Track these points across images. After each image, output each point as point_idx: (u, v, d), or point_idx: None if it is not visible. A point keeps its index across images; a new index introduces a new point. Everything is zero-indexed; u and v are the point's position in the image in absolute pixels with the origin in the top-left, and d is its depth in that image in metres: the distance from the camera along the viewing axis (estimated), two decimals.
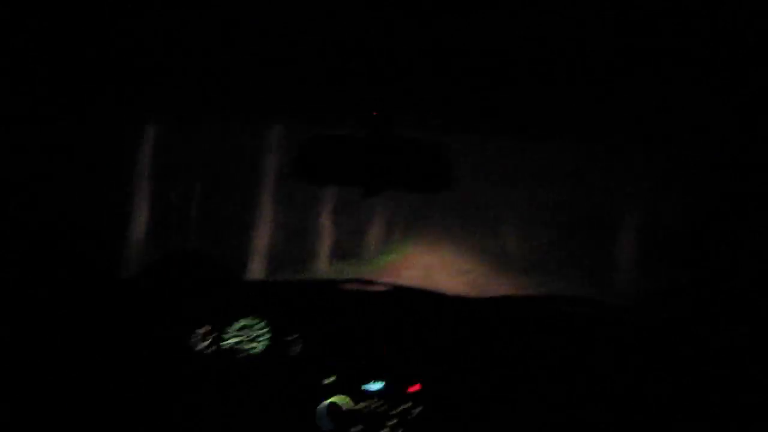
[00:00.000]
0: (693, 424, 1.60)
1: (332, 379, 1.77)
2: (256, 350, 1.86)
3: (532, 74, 1.43)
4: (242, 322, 1.89)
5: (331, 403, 1.72)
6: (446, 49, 1.35)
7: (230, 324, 1.89)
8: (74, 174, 1.90)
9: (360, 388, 1.75)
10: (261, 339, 1.87)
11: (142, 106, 1.81)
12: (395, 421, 1.71)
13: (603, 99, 1.52)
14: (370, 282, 2.25)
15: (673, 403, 1.64)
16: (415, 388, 1.75)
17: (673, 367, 1.68)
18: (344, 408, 1.72)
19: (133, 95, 1.67)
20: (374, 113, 1.55)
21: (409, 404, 1.73)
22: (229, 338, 1.88)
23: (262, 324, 1.89)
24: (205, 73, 1.52)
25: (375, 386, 1.75)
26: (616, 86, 1.45)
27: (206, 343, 1.87)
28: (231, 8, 1.25)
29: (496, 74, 1.43)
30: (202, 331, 1.88)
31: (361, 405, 1.73)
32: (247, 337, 1.88)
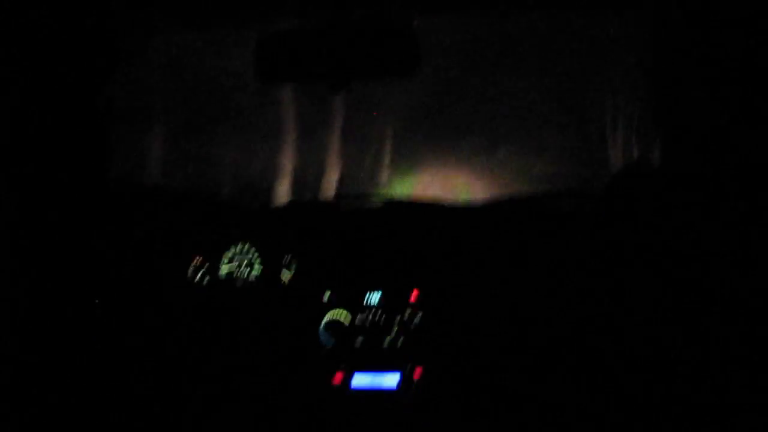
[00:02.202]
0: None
1: (329, 294, 1.77)
2: (251, 276, 1.85)
3: None
4: (233, 250, 1.88)
5: (330, 318, 1.73)
6: None
7: (222, 253, 1.88)
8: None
9: (359, 300, 1.76)
10: (255, 264, 1.86)
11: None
12: (396, 329, 1.73)
13: None
14: (361, 196, 2.23)
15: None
16: (414, 295, 1.75)
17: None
18: (345, 322, 1.73)
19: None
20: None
21: (409, 312, 1.74)
22: (223, 267, 1.87)
23: (254, 249, 1.87)
24: None
25: (374, 297, 1.76)
26: None
27: (200, 274, 1.86)
28: None
29: None
30: (194, 263, 1.87)
31: (362, 317, 1.74)
32: (241, 264, 1.87)
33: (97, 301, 1.77)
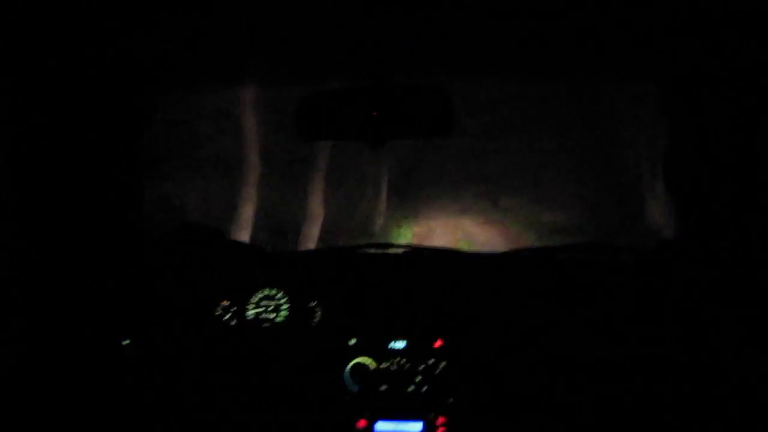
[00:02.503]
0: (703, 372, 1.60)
1: (355, 340, 1.79)
2: (278, 320, 1.88)
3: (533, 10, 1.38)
4: (262, 294, 1.92)
5: (356, 363, 1.75)
6: None
7: (250, 296, 1.92)
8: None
9: (384, 347, 1.78)
10: (282, 309, 1.90)
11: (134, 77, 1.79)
12: (420, 377, 1.74)
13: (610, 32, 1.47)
14: (386, 245, 2.26)
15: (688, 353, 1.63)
16: (438, 344, 1.77)
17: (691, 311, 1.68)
18: (369, 368, 1.75)
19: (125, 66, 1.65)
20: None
21: (433, 360, 1.75)
22: (250, 310, 1.90)
23: (282, 294, 1.91)
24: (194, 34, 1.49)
25: (398, 345, 1.78)
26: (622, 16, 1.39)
27: (228, 315, 1.89)
28: None
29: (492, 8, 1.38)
30: (223, 304, 1.90)
31: (386, 364, 1.76)
32: (268, 307, 1.90)
33: (126, 342, 1.81)
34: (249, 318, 1.89)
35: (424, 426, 1.70)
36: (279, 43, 1.48)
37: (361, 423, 1.72)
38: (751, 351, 1.53)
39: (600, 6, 1.35)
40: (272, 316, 1.89)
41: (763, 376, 1.50)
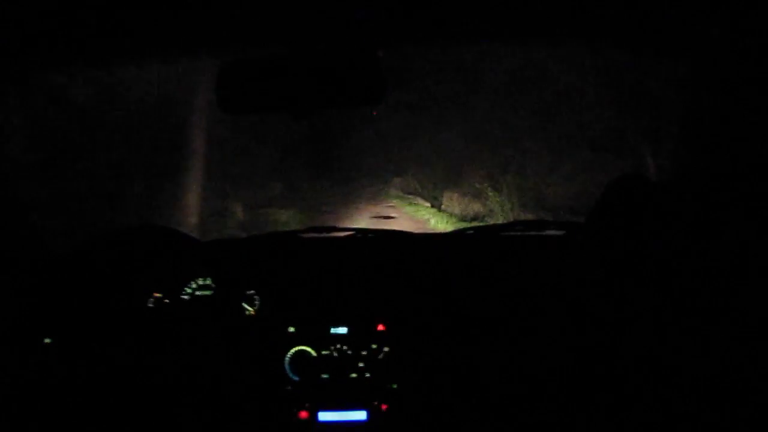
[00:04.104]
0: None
1: (294, 328, 1.73)
2: (214, 310, 1.80)
3: None
4: (196, 284, 1.83)
5: (296, 352, 1.69)
6: None
7: (183, 286, 1.83)
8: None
9: (324, 334, 1.72)
10: (218, 298, 1.82)
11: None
12: (363, 364, 1.69)
13: None
14: (328, 228, 2.20)
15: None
16: (379, 328, 1.72)
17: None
18: (310, 356, 1.69)
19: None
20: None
21: (375, 346, 1.71)
22: (185, 301, 1.81)
23: (217, 283, 1.83)
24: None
25: (339, 330, 1.72)
26: None
27: (161, 308, 1.80)
28: None
29: None
30: (155, 296, 1.81)
31: (327, 351, 1.70)
32: (203, 297, 1.82)
33: (47, 341, 1.70)
34: (182, 309, 1.80)
35: (368, 414, 1.66)
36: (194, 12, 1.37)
37: (303, 414, 1.67)
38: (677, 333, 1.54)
39: None
40: (207, 306, 1.81)
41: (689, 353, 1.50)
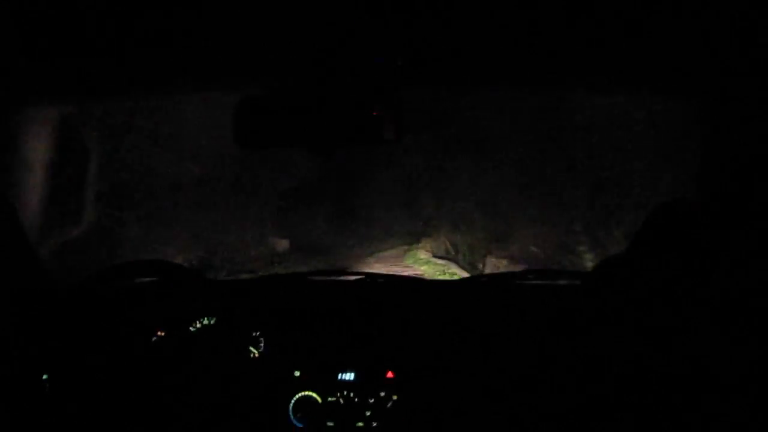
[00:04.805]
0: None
1: (300, 372, 1.67)
2: (218, 351, 1.75)
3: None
4: (201, 324, 1.79)
5: (301, 397, 1.63)
6: None
7: (189, 326, 1.78)
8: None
9: (331, 380, 1.67)
10: (223, 339, 1.77)
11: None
12: (370, 412, 1.63)
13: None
14: (337, 272, 2.17)
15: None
16: (389, 375, 1.66)
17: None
18: (315, 402, 1.63)
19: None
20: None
21: (384, 394, 1.65)
22: (189, 341, 1.77)
23: (222, 324, 1.79)
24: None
25: (347, 376, 1.67)
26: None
27: (165, 346, 1.76)
28: None
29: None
30: (159, 334, 1.77)
31: (333, 398, 1.64)
32: (208, 338, 1.77)
33: (45, 377, 1.65)
34: (185, 348, 1.76)
35: None
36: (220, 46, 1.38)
37: None
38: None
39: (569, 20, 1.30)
40: (212, 346, 1.76)
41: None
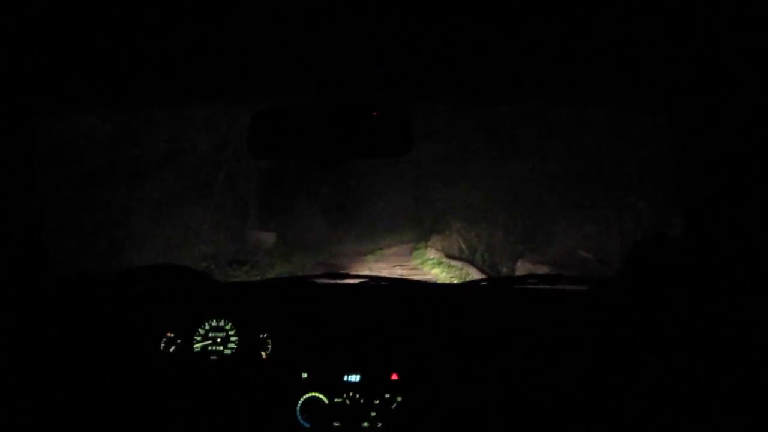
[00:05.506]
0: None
1: (307, 374, 1.71)
2: (226, 352, 1.79)
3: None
4: (209, 325, 1.83)
5: (308, 398, 1.67)
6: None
7: (197, 327, 1.82)
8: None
9: (337, 381, 1.70)
10: (230, 341, 1.81)
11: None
12: (375, 413, 1.66)
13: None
14: (342, 275, 2.20)
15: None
16: (393, 377, 1.70)
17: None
18: (322, 403, 1.67)
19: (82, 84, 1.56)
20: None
21: (389, 395, 1.68)
22: (197, 342, 1.80)
23: (230, 325, 1.82)
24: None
25: (352, 378, 1.70)
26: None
27: (174, 348, 1.79)
28: None
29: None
30: (169, 335, 1.80)
31: (339, 399, 1.68)
32: (216, 339, 1.81)
33: (60, 376, 1.69)
34: (195, 350, 1.79)
35: None
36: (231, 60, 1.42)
37: None
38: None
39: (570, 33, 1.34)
40: (220, 348, 1.80)
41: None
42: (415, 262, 10.87)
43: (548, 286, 2.03)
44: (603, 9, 1.23)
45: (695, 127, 1.64)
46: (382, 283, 2.10)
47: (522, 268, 8.42)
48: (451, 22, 1.27)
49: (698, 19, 1.28)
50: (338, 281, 2.13)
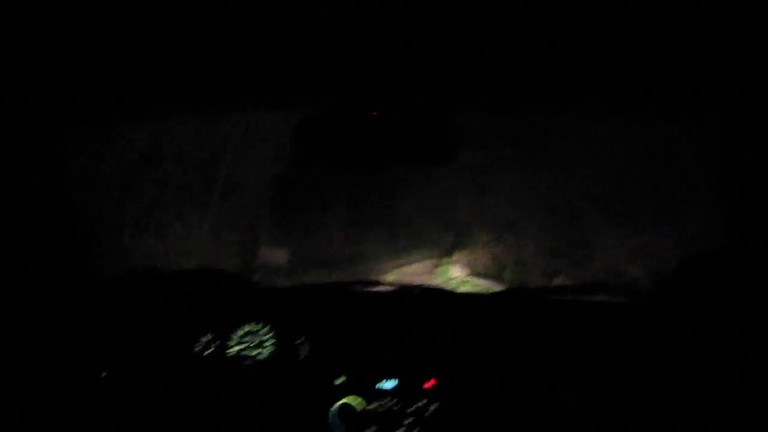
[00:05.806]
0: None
1: (342, 379, 1.70)
2: (262, 356, 1.80)
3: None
4: (246, 329, 1.84)
5: (343, 404, 1.66)
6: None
7: (233, 331, 1.84)
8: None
9: (373, 387, 1.69)
10: (266, 345, 1.82)
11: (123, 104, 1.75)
12: (411, 419, 1.65)
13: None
14: (376, 282, 2.20)
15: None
16: (429, 384, 1.68)
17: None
18: (357, 409, 1.66)
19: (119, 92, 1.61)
20: (374, 113, 1.51)
21: (425, 401, 1.67)
22: (233, 345, 1.82)
23: (266, 329, 1.83)
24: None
25: (388, 384, 1.69)
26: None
27: (210, 350, 1.81)
28: None
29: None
30: (204, 339, 1.82)
31: (375, 405, 1.67)
32: (251, 343, 1.82)
33: (104, 374, 1.72)
34: (231, 354, 1.81)
35: None
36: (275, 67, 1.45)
37: None
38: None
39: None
40: (255, 352, 1.81)
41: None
42: (437, 281, 10.88)
43: (587, 298, 2.00)
44: (643, 18, 1.22)
45: (742, 141, 1.61)
46: (414, 291, 2.09)
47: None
48: (483, 29, 1.27)
49: (748, 32, 1.26)
50: (373, 289, 2.13)
